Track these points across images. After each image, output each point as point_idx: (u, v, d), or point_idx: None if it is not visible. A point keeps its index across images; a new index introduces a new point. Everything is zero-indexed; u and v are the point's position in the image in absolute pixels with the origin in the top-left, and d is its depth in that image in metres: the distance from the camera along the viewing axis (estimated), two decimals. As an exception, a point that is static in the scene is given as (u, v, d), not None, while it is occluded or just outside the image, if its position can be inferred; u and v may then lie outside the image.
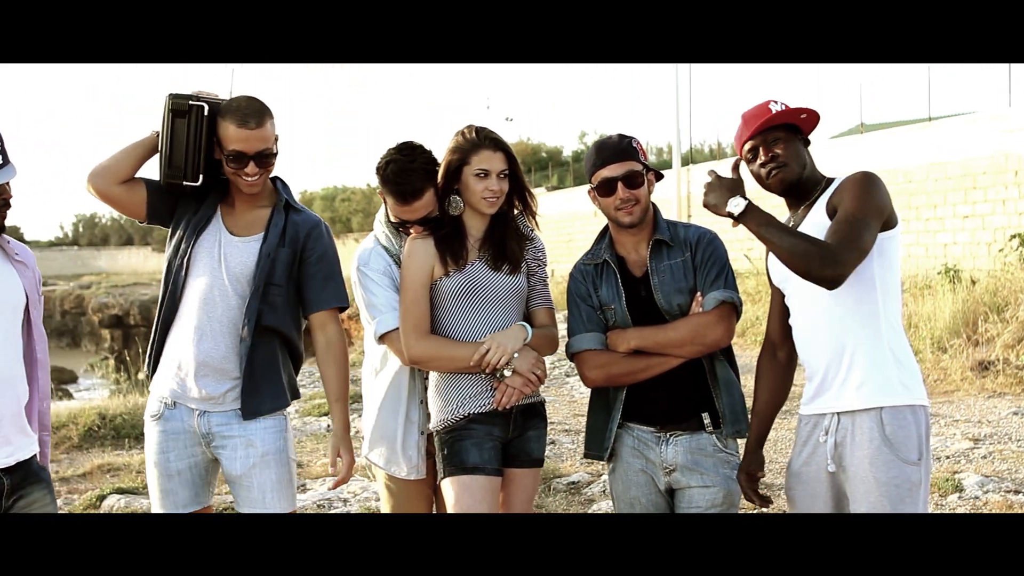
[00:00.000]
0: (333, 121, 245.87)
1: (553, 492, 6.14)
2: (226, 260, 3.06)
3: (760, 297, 12.95)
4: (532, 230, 3.23)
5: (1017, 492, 5.70)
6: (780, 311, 2.94)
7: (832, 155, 19.83)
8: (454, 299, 3.07)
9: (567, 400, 9.38)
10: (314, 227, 3.15)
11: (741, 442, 3.06)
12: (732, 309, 2.95)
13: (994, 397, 8.73)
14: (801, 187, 2.81)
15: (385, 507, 3.26)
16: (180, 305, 3.10)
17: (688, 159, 25.73)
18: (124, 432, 8.21)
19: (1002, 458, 6.56)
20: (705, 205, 2.71)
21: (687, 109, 26.58)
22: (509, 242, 3.11)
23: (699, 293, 2.95)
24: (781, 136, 2.79)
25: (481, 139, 3.05)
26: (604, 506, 5.79)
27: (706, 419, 2.98)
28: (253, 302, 3.05)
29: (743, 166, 2.82)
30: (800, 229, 2.76)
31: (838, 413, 2.71)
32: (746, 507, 4.86)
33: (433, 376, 3.12)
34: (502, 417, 3.06)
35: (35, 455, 2.90)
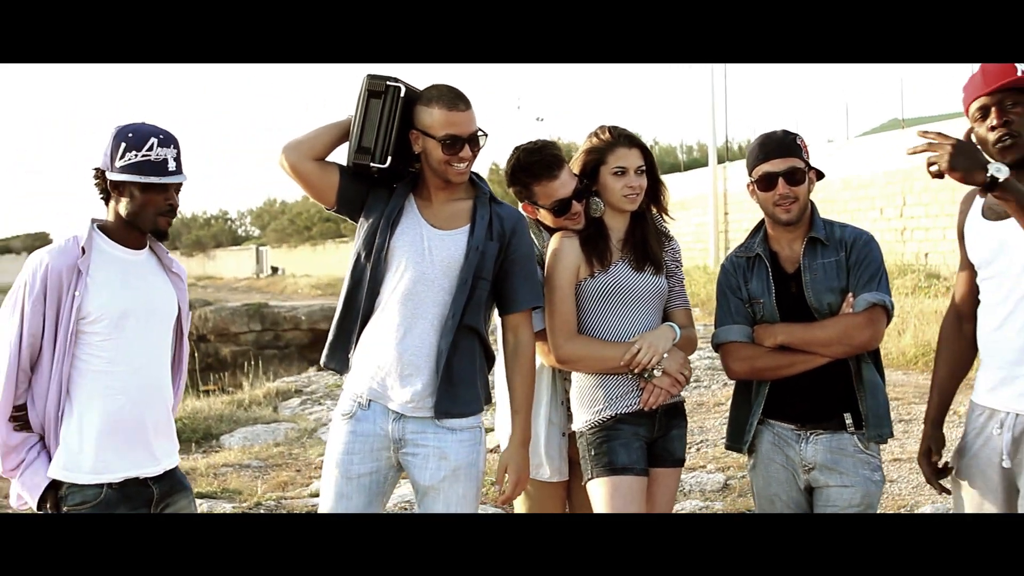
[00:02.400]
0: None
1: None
2: (431, 253, 2.90)
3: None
4: (668, 229, 3.21)
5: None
6: (971, 284, 2.83)
7: (869, 150, 19.70)
8: (599, 300, 3.07)
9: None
10: (518, 221, 3.00)
11: (882, 446, 3.02)
12: (884, 312, 2.93)
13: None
14: None
15: (520, 509, 3.25)
16: (380, 299, 2.93)
17: (723, 156, 25.56)
18: (185, 436, 8.22)
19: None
20: (952, 168, 2.39)
21: (723, 106, 26.26)
22: (651, 242, 3.12)
23: (851, 294, 2.94)
24: (1022, 101, 2.56)
25: (616, 137, 3.09)
26: (688, 506, 5.74)
27: (848, 419, 2.95)
28: (460, 296, 2.88)
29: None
30: None
31: (1018, 413, 2.66)
32: (883, 508, 4.77)
33: (577, 377, 3.10)
34: (648, 417, 3.05)
35: (179, 463, 2.94)
